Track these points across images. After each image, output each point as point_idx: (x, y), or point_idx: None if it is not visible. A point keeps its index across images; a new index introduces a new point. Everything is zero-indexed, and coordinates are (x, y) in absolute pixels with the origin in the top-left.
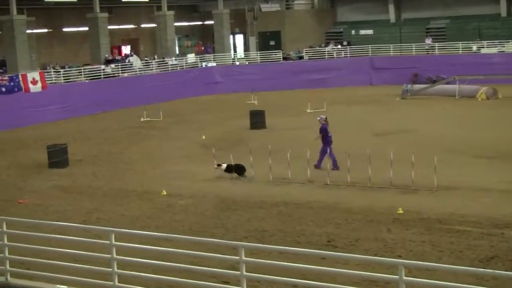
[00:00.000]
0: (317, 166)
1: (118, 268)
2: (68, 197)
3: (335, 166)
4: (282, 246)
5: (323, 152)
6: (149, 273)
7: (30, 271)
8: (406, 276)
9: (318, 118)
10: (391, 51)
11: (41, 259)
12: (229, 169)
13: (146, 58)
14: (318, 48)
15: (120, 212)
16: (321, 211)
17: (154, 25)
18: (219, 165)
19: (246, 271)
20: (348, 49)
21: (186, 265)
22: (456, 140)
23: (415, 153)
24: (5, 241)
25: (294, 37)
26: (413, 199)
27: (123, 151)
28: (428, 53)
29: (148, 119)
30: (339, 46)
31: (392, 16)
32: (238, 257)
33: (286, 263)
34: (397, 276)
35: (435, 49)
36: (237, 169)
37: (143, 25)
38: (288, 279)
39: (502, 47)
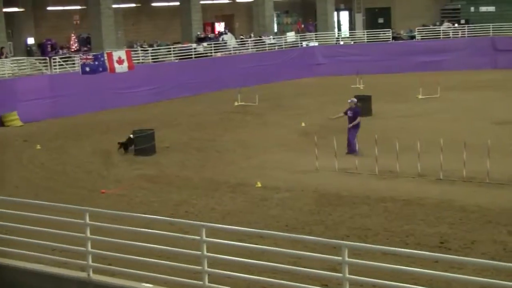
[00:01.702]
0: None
1: (208, 267)
2: (155, 187)
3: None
4: (388, 246)
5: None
6: (241, 273)
7: (112, 267)
8: None
9: (349, 101)
10: None
11: (125, 254)
12: None
13: (242, 37)
14: (432, 27)
15: (210, 206)
16: (432, 209)
17: (251, 0)
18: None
19: (349, 273)
20: (466, 28)
21: (281, 265)
22: None
23: None
24: (88, 234)
25: (405, 14)
26: None
27: (215, 138)
28: None
29: (242, 103)
30: (456, 25)
31: None
32: (340, 258)
33: (393, 266)
34: None
35: None
36: None
37: (239, 0)
38: (395, 283)
39: None
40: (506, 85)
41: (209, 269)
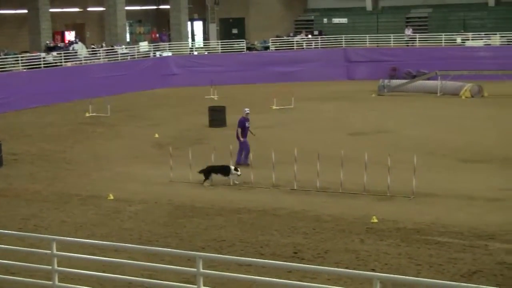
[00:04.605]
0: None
1: (59, 282)
2: (1, 201)
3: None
4: (243, 257)
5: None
6: (95, 287)
7: None
8: None
9: (247, 111)
10: (367, 42)
11: None
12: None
13: (93, 46)
14: (286, 38)
15: (61, 219)
16: (287, 219)
17: (102, 8)
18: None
19: (204, 285)
20: (319, 39)
21: (136, 278)
22: (437, 142)
23: (392, 155)
24: None
25: (259, 25)
26: (389, 207)
27: (65, 150)
28: (408, 45)
29: (94, 114)
30: (310, 36)
31: (368, 4)
32: (195, 269)
33: (248, 276)
34: None
35: (415, 41)
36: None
37: (90, 8)
38: None
39: (489, 39)
40: (359, 96)
41: (60, 284)
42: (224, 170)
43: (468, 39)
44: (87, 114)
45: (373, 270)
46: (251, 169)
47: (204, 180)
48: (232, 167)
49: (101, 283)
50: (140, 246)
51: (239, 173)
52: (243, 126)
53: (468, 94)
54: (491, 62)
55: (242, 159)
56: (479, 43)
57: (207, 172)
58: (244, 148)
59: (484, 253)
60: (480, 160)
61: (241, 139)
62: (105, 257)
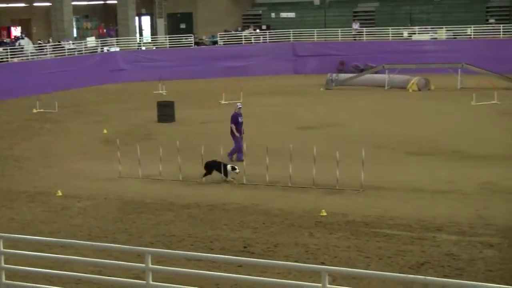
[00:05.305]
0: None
1: (6, 279)
2: None
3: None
4: (192, 252)
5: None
6: (43, 284)
7: None
8: (330, 284)
9: (239, 106)
10: (315, 36)
11: None
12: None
13: (40, 42)
14: (234, 33)
15: (8, 216)
16: (236, 213)
17: (48, 4)
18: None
19: (153, 280)
20: (267, 34)
21: (85, 274)
22: (385, 135)
23: (340, 149)
24: None
25: (207, 20)
26: (338, 200)
27: (12, 147)
28: (355, 39)
29: (41, 110)
30: (258, 31)
31: None
32: (144, 265)
33: (197, 271)
34: (321, 285)
35: (363, 35)
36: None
37: (36, 4)
38: None
39: (435, 33)
40: (307, 90)
41: (8, 281)
42: (224, 169)
43: (415, 33)
44: (35, 110)
45: (322, 264)
46: (201, 164)
47: (205, 175)
48: (229, 166)
49: (50, 280)
50: (88, 242)
51: (237, 171)
52: (236, 121)
53: (415, 88)
54: (437, 56)
55: (228, 154)
56: (426, 37)
57: (210, 168)
58: (235, 143)
59: (432, 245)
60: (427, 153)
61: (237, 134)
62: (53, 253)
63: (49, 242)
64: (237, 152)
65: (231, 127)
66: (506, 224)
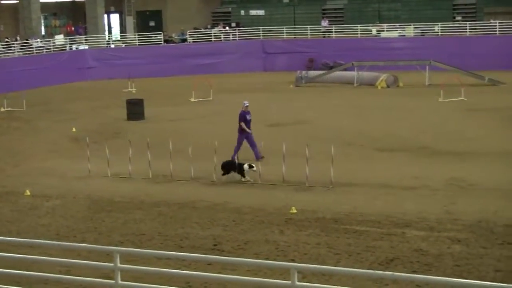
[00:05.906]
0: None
1: None
2: None
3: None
4: (162, 251)
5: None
6: (11, 286)
7: None
8: (300, 281)
9: (246, 104)
10: (284, 34)
11: None
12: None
13: (7, 39)
14: (203, 30)
15: None
16: (206, 211)
17: (16, 1)
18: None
19: (122, 280)
20: (237, 31)
21: (53, 275)
22: (355, 131)
23: (310, 146)
24: None
25: (176, 17)
26: (307, 197)
27: None
28: (324, 37)
29: (9, 109)
30: (227, 28)
31: None
32: (112, 264)
33: (167, 270)
34: (290, 282)
35: (332, 32)
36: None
37: (3, 1)
38: (170, 287)
39: (403, 30)
40: (277, 88)
41: None
42: (240, 169)
43: (383, 30)
44: (2, 109)
45: (292, 261)
46: (170, 162)
47: (224, 174)
48: (246, 165)
49: (17, 281)
50: (55, 242)
51: (254, 168)
52: (244, 119)
53: (384, 84)
54: (405, 53)
55: (255, 153)
56: (394, 34)
57: (226, 168)
58: (247, 143)
59: (401, 241)
60: (396, 149)
61: (248, 130)
62: (20, 254)
63: (17, 242)
64: (237, 151)
65: (239, 125)
66: (473, 219)
